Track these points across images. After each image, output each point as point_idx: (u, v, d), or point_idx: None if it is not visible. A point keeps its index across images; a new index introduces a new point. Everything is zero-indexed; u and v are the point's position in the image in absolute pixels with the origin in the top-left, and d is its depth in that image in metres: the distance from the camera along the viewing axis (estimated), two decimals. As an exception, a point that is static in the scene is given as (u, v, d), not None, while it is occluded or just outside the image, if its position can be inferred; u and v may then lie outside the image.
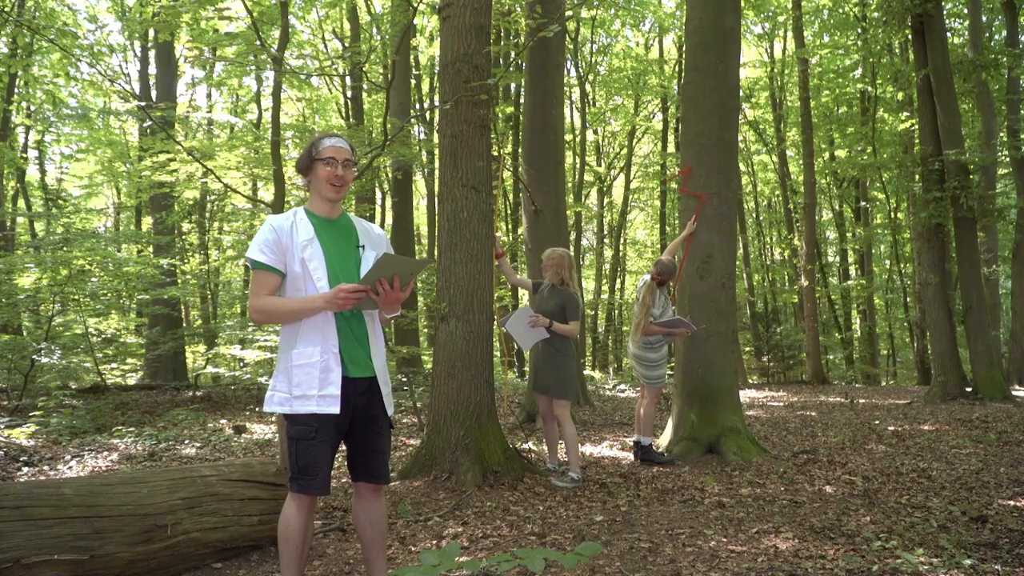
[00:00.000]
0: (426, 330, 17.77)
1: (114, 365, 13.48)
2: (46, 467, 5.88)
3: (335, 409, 2.62)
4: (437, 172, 7.31)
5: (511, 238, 19.08)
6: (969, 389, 11.32)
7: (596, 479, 5.36)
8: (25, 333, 12.90)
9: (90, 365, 11.38)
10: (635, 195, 26.20)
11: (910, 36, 12.63)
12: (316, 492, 2.65)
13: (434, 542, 3.79)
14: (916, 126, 13.39)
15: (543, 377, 5.43)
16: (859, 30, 18.87)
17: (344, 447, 2.82)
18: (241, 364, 10.96)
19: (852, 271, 24.58)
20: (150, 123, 10.04)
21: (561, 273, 5.47)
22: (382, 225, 20.33)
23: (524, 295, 19.30)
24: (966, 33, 16.59)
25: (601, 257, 24.94)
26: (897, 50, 17.37)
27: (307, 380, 2.62)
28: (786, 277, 26.34)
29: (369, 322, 2.79)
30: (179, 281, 13.02)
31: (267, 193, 17.90)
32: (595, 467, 5.91)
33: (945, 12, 14.26)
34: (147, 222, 18.04)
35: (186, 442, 7.10)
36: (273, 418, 8.55)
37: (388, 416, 2.82)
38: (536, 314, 5.36)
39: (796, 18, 19.15)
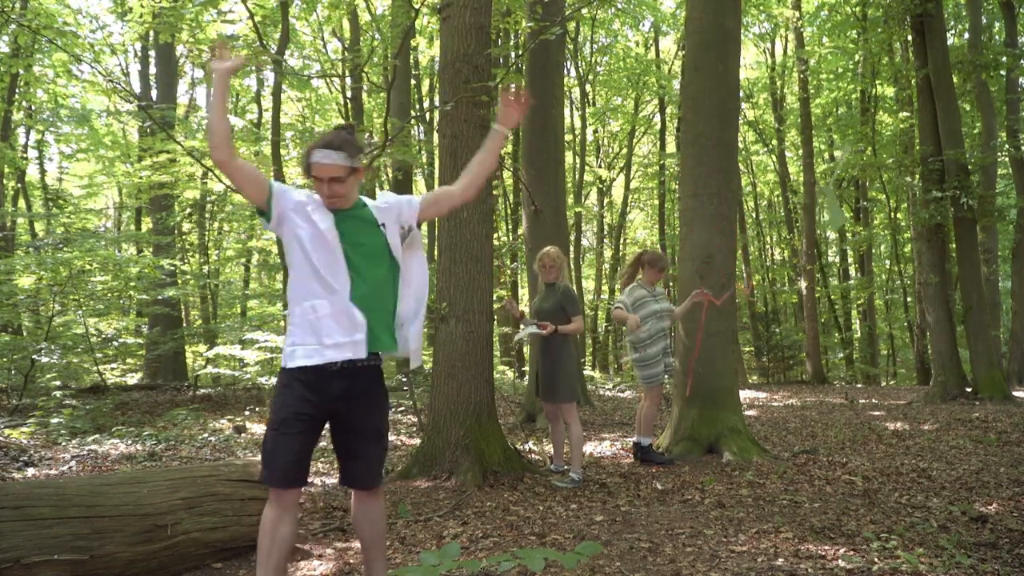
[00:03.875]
0: (426, 330, 17.76)
1: (114, 365, 13.49)
2: (46, 467, 5.88)
3: None
4: (437, 172, 7.31)
5: (511, 238, 19.07)
6: (969, 389, 11.32)
7: (596, 479, 5.36)
8: (25, 333, 12.90)
9: (90, 365, 11.39)
10: (635, 195, 26.20)
11: (910, 36, 12.63)
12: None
13: (434, 542, 3.80)
14: (916, 126, 13.39)
15: (547, 383, 5.37)
16: (860, 30, 18.87)
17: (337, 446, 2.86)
18: (241, 364, 10.97)
19: (852, 271, 24.58)
20: (150, 123, 10.05)
21: (560, 271, 5.42)
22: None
23: (524, 299, 19.28)
24: (966, 33, 16.59)
25: (601, 257, 24.94)
26: (897, 50, 17.38)
27: None
28: (786, 277, 26.34)
29: None
30: (179, 281, 13.03)
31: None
32: (595, 467, 5.91)
33: (945, 12, 14.25)
34: (147, 222, 18.04)
35: (186, 442, 7.10)
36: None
37: None
38: (543, 324, 5.29)
39: (795, 18, 19.17)
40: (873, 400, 12.20)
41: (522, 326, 5.41)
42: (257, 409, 9.82)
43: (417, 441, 6.89)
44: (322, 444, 7.15)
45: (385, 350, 2.75)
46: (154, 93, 15.04)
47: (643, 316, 5.85)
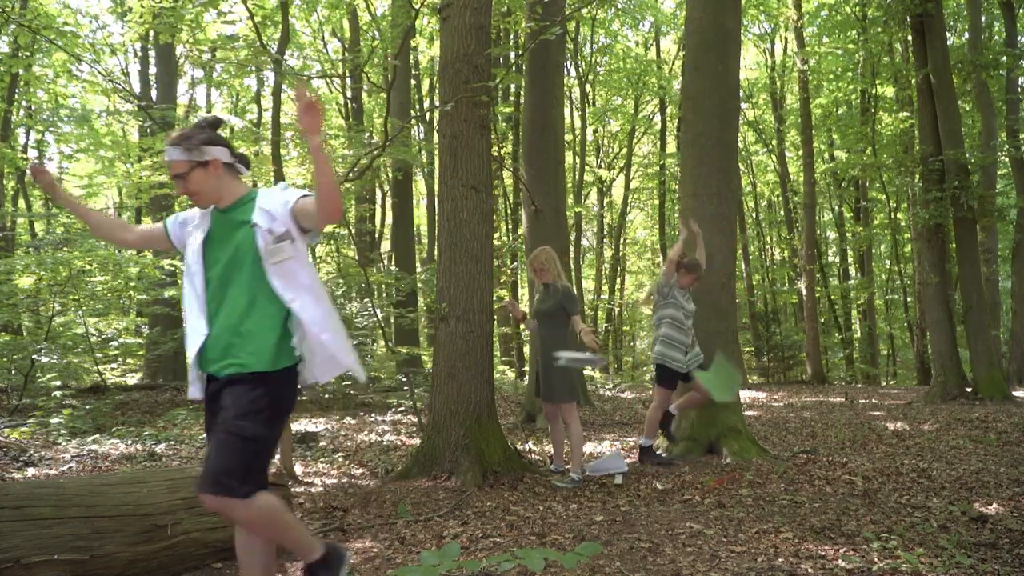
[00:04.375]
0: (426, 330, 17.77)
1: (114, 365, 13.48)
2: (46, 467, 5.88)
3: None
4: (437, 172, 7.32)
5: (511, 238, 19.07)
6: (969, 389, 11.32)
7: (596, 479, 5.36)
8: (25, 333, 12.90)
9: (90, 365, 11.38)
10: (635, 195, 26.21)
11: (910, 36, 12.63)
12: None
13: (434, 542, 3.79)
14: (916, 126, 13.40)
15: (546, 383, 5.35)
16: (859, 30, 18.89)
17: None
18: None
19: (852, 271, 24.59)
20: (150, 123, 10.06)
21: (554, 272, 5.43)
22: (382, 225, 20.32)
23: (524, 299, 19.27)
24: (966, 33, 16.59)
25: (601, 257, 24.94)
26: (897, 50, 17.38)
27: None
28: (786, 277, 26.35)
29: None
30: (179, 281, 13.03)
31: (267, 193, 17.86)
32: (595, 467, 5.91)
33: (945, 12, 14.25)
34: (147, 222, 18.03)
35: (186, 442, 7.10)
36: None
37: None
38: (594, 355, 5.06)
39: (796, 18, 19.18)
40: (873, 400, 12.19)
41: (579, 355, 5.06)
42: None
43: (417, 441, 6.89)
44: (322, 444, 7.15)
45: (255, 368, 2.45)
46: (154, 93, 15.04)
47: (660, 316, 5.84)
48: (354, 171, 7.24)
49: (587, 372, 17.03)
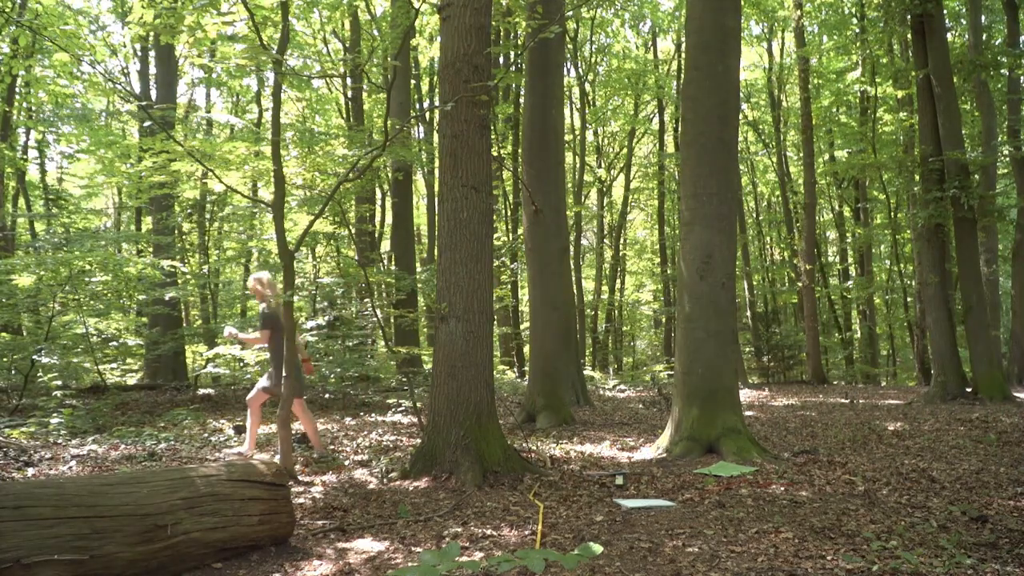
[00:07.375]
0: (426, 330, 17.76)
1: (114, 365, 13.48)
2: (46, 467, 5.88)
3: None
4: (437, 172, 7.32)
5: (511, 238, 19.07)
6: (969, 389, 11.32)
7: (596, 479, 5.36)
8: (25, 333, 12.90)
9: (90, 365, 11.38)
10: (635, 195, 26.21)
11: (910, 36, 12.63)
12: None
13: (434, 542, 3.80)
14: (916, 126, 13.39)
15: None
16: (859, 30, 18.89)
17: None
18: (241, 364, 10.97)
19: (852, 271, 24.58)
20: (150, 123, 10.06)
21: (264, 295, 6.27)
22: (382, 225, 20.33)
23: (524, 299, 19.24)
24: (966, 34, 16.59)
25: (601, 257, 24.95)
26: (897, 50, 17.37)
27: None
28: (786, 277, 26.34)
29: None
30: (179, 281, 13.02)
31: (267, 193, 17.91)
32: (595, 467, 5.91)
33: (945, 12, 14.25)
34: (147, 222, 18.04)
35: (186, 442, 7.10)
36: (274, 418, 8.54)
37: None
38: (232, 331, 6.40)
39: (797, 17, 19.17)
40: (873, 400, 12.19)
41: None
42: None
43: (417, 441, 6.88)
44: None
45: None
46: (154, 93, 15.04)
47: None
48: (354, 171, 7.23)
49: (587, 372, 17.03)
